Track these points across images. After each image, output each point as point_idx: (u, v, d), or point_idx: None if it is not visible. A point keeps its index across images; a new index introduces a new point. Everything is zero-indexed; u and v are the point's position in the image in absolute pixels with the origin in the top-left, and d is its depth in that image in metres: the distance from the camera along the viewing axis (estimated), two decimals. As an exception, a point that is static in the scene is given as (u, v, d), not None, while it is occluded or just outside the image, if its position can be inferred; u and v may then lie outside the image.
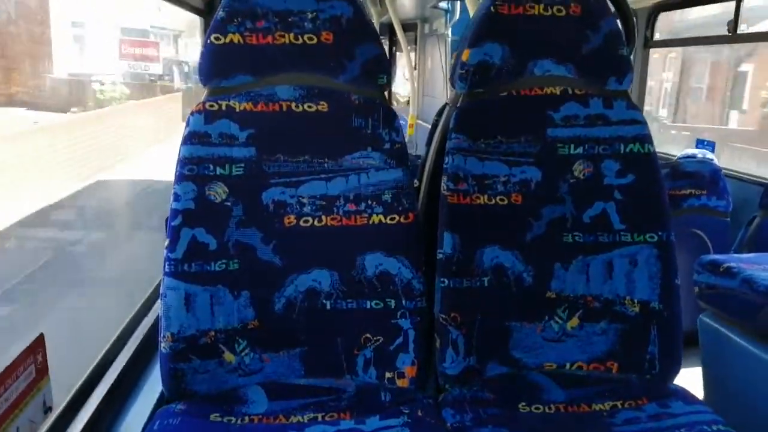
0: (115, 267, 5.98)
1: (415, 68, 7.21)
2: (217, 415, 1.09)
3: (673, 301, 1.24)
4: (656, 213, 1.25)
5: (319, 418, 1.10)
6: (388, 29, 6.98)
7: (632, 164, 1.26)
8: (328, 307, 1.20)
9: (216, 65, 1.20)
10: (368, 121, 1.22)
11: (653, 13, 3.51)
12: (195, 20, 1.81)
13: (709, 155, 2.79)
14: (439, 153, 1.32)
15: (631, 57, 3.84)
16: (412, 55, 7.24)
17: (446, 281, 1.21)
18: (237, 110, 1.19)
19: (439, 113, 1.42)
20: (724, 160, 2.95)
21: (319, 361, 1.21)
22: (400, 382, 1.20)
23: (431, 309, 1.22)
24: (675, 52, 12.67)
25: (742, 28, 3.00)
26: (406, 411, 1.11)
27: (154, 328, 1.26)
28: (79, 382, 1.13)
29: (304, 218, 1.21)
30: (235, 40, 1.19)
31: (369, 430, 1.07)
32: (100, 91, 14.70)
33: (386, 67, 1.25)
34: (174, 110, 14.47)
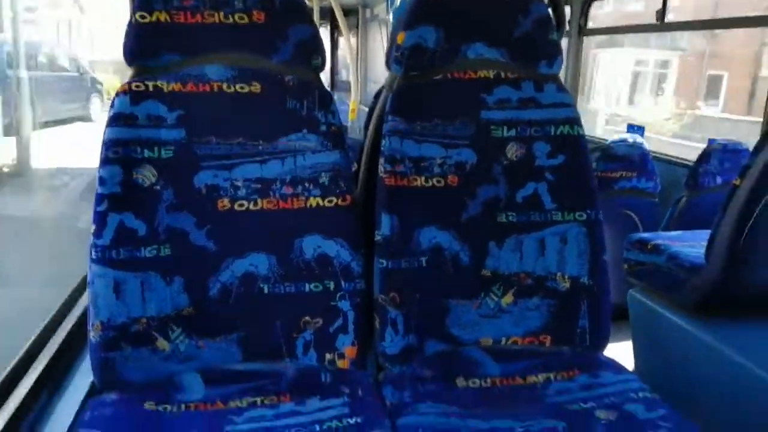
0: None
1: (357, 53, 7.17)
2: (152, 403, 1.07)
3: (602, 276, 1.28)
4: (585, 193, 1.30)
5: (258, 402, 1.09)
6: (330, 13, 6.91)
7: (562, 146, 1.29)
8: (266, 291, 1.19)
9: (141, 44, 1.16)
10: (303, 103, 1.21)
11: (587, 3, 3.61)
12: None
13: (639, 139, 2.91)
14: (377, 136, 1.32)
15: (565, 44, 3.94)
16: (353, 39, 7.19)
17: (384, 262, 1.21)
18: (165, 91, 1.15)
19: (377, 96, 1.41)
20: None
21: (258, 345, 1.19)
22: (340, 363, 1.20)
23: (370, 290, 1.23)
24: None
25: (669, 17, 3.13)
26: (347, 391, 1.11)
27: (84, 318, 1.22)
28: (2, 375, 1.08)
29: (239, 202, 1.18)
30: (162, 18, 1.15)
31: (309, 411, 1.07)
32: None
33: (320, 49, 1.24)
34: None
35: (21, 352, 1.15)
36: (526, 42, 1.30)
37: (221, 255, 1.17)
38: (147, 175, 1.14)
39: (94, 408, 1.03)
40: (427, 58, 1.27)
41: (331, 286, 1.20)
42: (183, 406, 1.07)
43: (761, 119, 2.42)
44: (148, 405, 1.06)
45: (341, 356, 1.20)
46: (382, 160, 1.24)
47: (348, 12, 6.93)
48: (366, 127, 1.43)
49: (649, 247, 1.95)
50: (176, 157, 1.15)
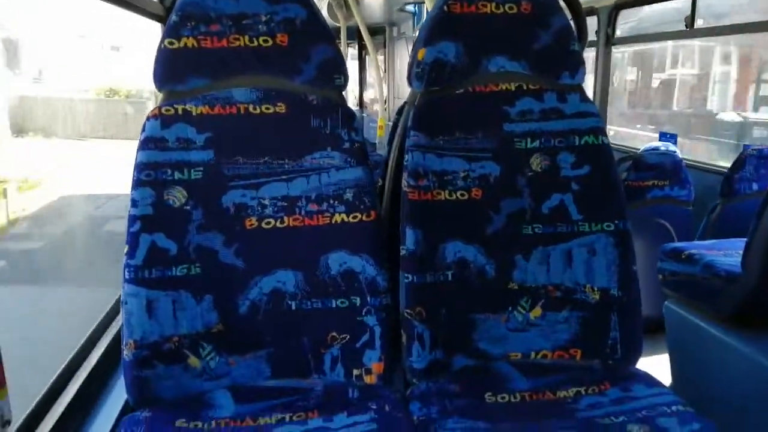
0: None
1: (384, 71, 7.24)
2: (183, 420, 1.09)
3: (632, 287, 1.26)
4: (612, 202, 1.28)
5: (287, 419, 1.10)
6: (357, 33, 7.01)
7: (587, 156, 1.28)
8: (293, 307, 1.21)
9: (170, 69, 1.20)
10: (327, 122, 1.23)
11: (614, 11, 3.58)
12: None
13: (672, 147, 2.86)
14: (400, 151, 1.33)
15: (595, 53, 3.90)
16: (380, 58, 7.27)
17: (410, 276, 1.22)
18: (194, 114, 1.19)
19: (399, 112, 1.43)
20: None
21: (286, 362, 1.21)
22: (367, 379, 1.21)
23: (396, 305, 1.23)
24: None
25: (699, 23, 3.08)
26: (374, 407, 1.11)
27: (119, 337, 1.25)
28: (41, 394, 1.12)
29: (266, 220, 1.21)
30: (189, 44, 1.19)
31: (337, 427, 1.07)
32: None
33: (342, 68, 1.26)
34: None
35: (58, 371, 1.19)
36: (547, 53, 1.30)
37: (249, 272, 1.20)
38: (177, 196, 1.17)
39: (128, 426, 1.05)
40: (448, 73, 1.28)
41: (358, 301, 1.21)
42: (214, 422, 1.09)
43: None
44: (180, 422, 1.08)
45: (368, 372, 1.21)
46: (405, 175, 1.25)
47: (375, 31, 7.01)
48: (390, 143, 1.44)
49: (683, 256, 1.91)
50: (205, 178, 1.19)
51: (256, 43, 1.22)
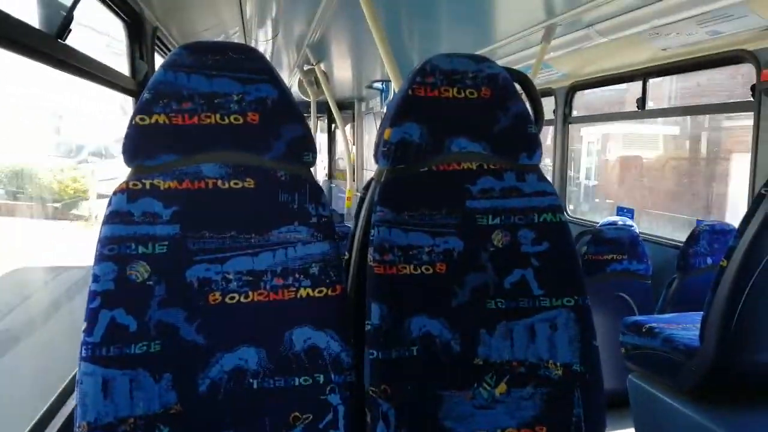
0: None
1: (353, 144, 7.41)
2: None
3: (594, 362, 1.28)
4: (571, 278, 1.32)
5: None
6: (327, 107, 7.21)
7: (546, 232, 1.33)
8: (255, 386, 1.18)
9: (140, 145, 1.21)
10: (295, 196, 1.25)
11: (570, 92, 3.79)
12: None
13: (629, 222, 2.96)
14: (367, 225, 1.36)
15: (553, 132, 4.08)
16: (349, 131, 7.45)
17: (375, 353, 1.21)
18: (161, 188, 1.20)
19: (366, 187, 1.46)
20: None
21: None
22: None
23: (361, 382, 1.22)
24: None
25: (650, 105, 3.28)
26: None
27: (72, 417, 1.20)
28: None
29: (230, 295, 1.20)
30: (161, 121, 1.21)
31: None
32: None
33: (311, 146, 1.29)
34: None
35: None
36: (506, 135, 1.36)
37: (211, 349, 1.17)
38: (140, 271, 1.16)
39: None
40: (413, 152, 1.33)
41: (321, 379, 1.19)
42: None
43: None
44: None
45: None
46: (371, 250, 1.27)
47: (344, 106, 7.24)
48: (356, 217, 1.47)
49: (644, 330, 1.95)
50: (170, 252, 1.18)
51: (227, 121, 1.25)
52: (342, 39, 4.05)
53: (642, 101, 3.23)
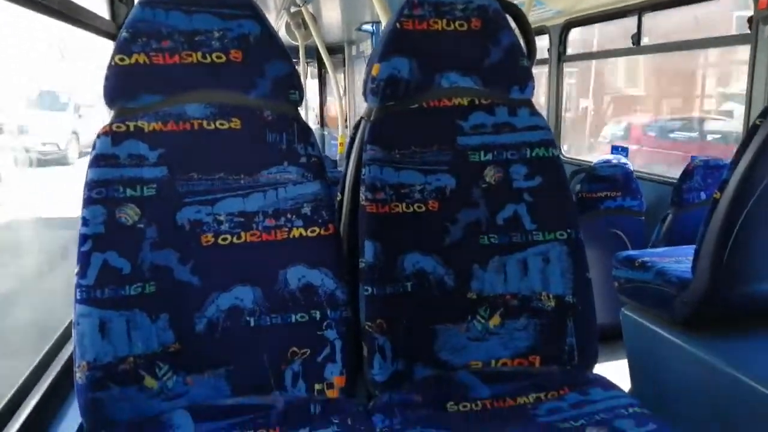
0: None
1: (344, 89, 7.28)
2: None
3: (586, 293, 1.29)
4: (564, 212, 1.31)
5: None
6: (316, 52, 7.05)
7: (538, 167, 1.32)
8: (252, 324, 1.19)
9: (121, 86, 1.18)
10: (283, 136, 1.23)
11: (564, 30, 3.71)
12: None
13: (623, 160, 2.95)
14: (358, 165, 1.34)
15: (548, 70, 4.01)
16: (340, 76, 7.32)
17: (369, 289, 1.22)
18: (146, 130, 1.17)
19: (356, 127, 1.44)
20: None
21: (246, 379, 1.19)
22: (329, 393, 1.20)
23: (357, 318, 1.23)
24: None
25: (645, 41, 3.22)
26: (336, 420, 1.10)
27: (71, 360, 1.21)
28: None
29: (222, 236, 1.19)
30: (141, 60, 1.18)
31: None
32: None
33: (297, 83, 1.27)
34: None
35: (7, 397, 1.14)
36: (497, 69, 1.33)
37: (206, 290, 1.18)
38: (130, 214, 1.15)
39: None
40: (402, 88, 1.30)
41: (317, 315, 1.21)
42: None
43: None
44: None
45: (330, 386, 1.20)
46: (363, 189, 1.26)
47: (334, 50, 7.07)
48: (347, 157, 1.45)
49: (636, 264, 1.97)
50: (159, 195, 1.17)
51: (209, 60, 1.21)
52: None
53: (637, 37, 3.16)
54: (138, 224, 1.15)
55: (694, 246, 1.71)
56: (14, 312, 3.01)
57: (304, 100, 1.30)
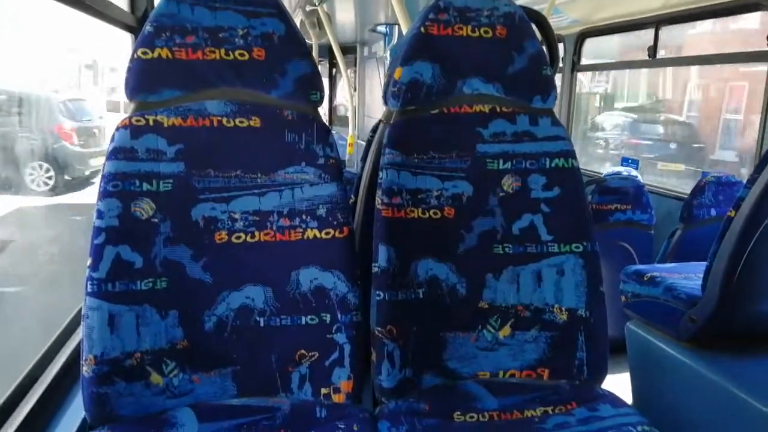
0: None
1: (354, 89, 7.28)
2: None
3: (599, 308, 1.28)
4: (580, 224, 1.30)
5: None
6: (329, 51, 7.04)
7: (557, 178, 1.31)
8: (262, 324, 1.19)
9: (143, 79, 1.18)
10: (302, 137, 1.23)
11: (579, 39, 3.70)
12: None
13: (634, 172, 2.95)
14: (374, 168, 1.33)
15: (560, 78, 4.01)
16: (351, 76, 7.32)
17: (381, 294, 1.21)
18: (165, 125, 1.17)
19: (374, 130, 1.43)
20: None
21: (253, 380, 1.18)
22: (336, 398, 1.19)
23: (367, 323, 1.23)
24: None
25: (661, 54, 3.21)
26: (342, 426, 1.10)
27: (78, 352, 1.21)
28: None
29: (236, 234, 1.19)
30: (164, 55, 1.17)
31: None
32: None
33: (319, 84, 1.26)
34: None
35: (11, 388, 1.13)
36: (520, 77, 1.32)
37: (217, 288, 1.17)
38: (145, 208, 1.14)
39: None
40: (424, 93, 1.30)
41: (328, 318, 1.20)
42: None
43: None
44: None
45: (337, 390, 1.19)
46: (379, 192, 1.25)
47: (346, 50, 7.07)
48: (363, 160, 1.44)
49: (645, 278, 1.96)
50: (175, 191, 1.16)
51: (232, 57, 1.21)
52: None
53: (653, 50, 3.15)
54: (152, 219, 1.14)
55: (703, 262, 1.69)
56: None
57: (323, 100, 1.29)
